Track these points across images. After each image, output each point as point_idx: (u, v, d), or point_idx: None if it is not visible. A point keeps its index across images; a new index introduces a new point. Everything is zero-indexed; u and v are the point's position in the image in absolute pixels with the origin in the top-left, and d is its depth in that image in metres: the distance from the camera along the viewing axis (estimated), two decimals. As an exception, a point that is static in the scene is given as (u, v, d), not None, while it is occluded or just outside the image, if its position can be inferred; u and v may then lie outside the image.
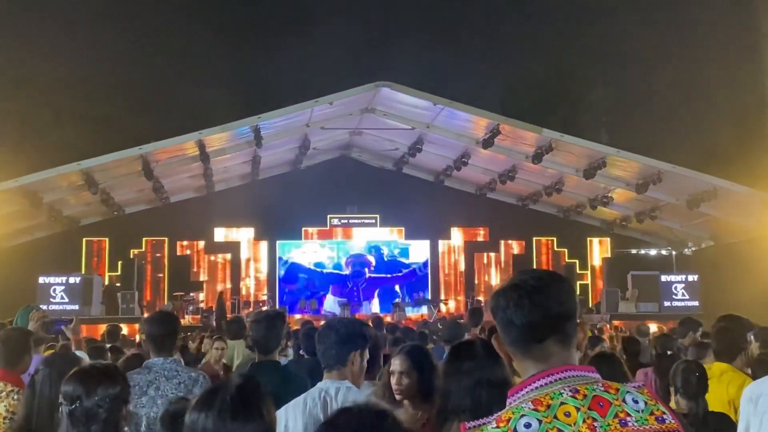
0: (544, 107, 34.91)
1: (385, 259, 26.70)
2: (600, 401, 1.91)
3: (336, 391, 3.60)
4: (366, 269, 26.60)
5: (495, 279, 27.03)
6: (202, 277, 25.99)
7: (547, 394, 1.94)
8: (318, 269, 26.41)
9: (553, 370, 1.98)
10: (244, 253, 26.39)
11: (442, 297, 26.62)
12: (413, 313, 24.98)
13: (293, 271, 26.36)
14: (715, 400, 5.20)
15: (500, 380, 3.26)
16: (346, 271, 26.52)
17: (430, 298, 26.27)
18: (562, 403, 1.91)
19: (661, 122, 32.42)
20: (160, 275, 25.67)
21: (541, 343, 2.01)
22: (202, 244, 26.07)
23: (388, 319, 20.68)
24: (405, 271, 26.74)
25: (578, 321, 2.09)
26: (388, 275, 26.59)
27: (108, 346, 9.30)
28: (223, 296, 24.41)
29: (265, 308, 22.79)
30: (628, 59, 35.55)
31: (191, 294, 24.37)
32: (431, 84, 23.49)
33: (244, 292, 26.09)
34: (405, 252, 26.80)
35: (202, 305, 24.21)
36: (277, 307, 23.41)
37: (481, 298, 25.54)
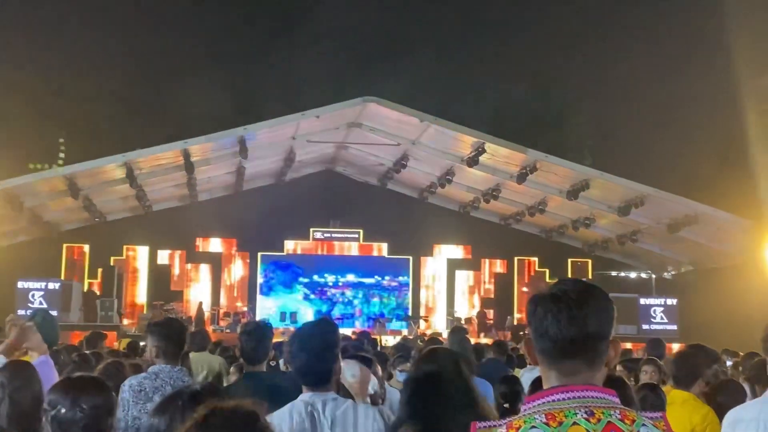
0: (529, 128, 35.15)
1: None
2: (613, 429, 1.88)
3: (323, 404, 3.52)
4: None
5: (476, 297, 27.03)
6: (183, 287, 25.82)
7: (562, 410, 1.92)
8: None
9: (573, 387, 1.96)
10: (225, 264, 26.27)
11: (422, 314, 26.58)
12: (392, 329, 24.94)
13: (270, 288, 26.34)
14: (678, 428, 5.20)
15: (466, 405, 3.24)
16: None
17: (411, 314, 26.21)
18: (574, 423, 1.89)
19: (644, 146, 32.68)
20: (140, 283, 25.48)
21: (571, 359, 1.99)
22: (184, 253, 25.91)
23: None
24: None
25: (610, 339, 2.05)
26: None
27: (81, 353, 9.18)
28: (202, 307, 24.28)
29: (245, 320, 22.66)
30: (612, 85, 35.87)
31: (171, 303, 24.18)
32: (418, 101, 23.58)
33: (223, 302, 25.94)
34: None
35: (181, 315, 24.00)
36: (256, 318, 23.27)
37: (460, 315, 25.55)
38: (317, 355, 3.56)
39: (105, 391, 3.18)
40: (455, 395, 3.28)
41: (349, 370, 3.74)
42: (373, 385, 4.13)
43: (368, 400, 3.89)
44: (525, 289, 26.47)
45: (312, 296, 26.43)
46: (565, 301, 2.00)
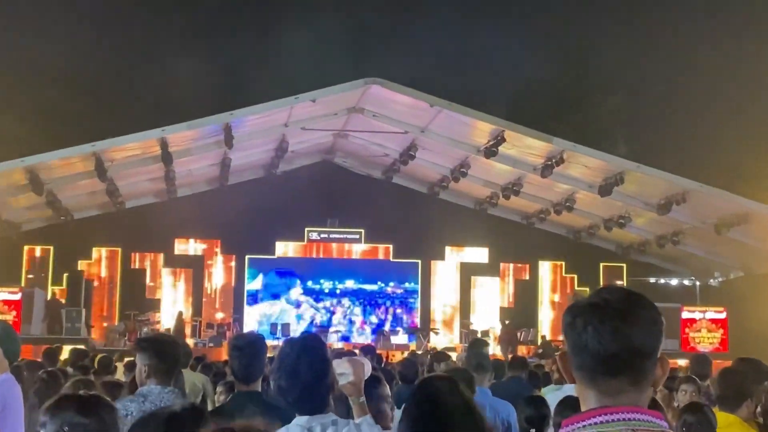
0: (555, 113, 34.98)
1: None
2: None
3: (322, 428, 3.55)
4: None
5: (494, 306, 27.03)
6: (159, 295, 25.89)
7: None
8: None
9: (618, 408, 1.97)
10: (208, 269, 26.33)
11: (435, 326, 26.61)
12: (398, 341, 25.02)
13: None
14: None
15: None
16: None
17: (419, 326, 26.24)
18: None
19: (687, 135, 32.60)
20: (112, 291, 25.54)
21: (613, 377, 2.00)
22: (160, 256, 25.98)
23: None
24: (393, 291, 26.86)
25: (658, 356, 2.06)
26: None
27: (49, 370, 9.22)
28: (182, 317, 24.33)
29: (231, 333, 22.75)
30: (652, 63, 35.77)
31: (146, 313, 24.24)
32: (428, 82, 23.54)
33: (205, 312, 26.02)
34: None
35: (157, 327, 24.06)
36: (244, 330, 23.32)
37: (477, 327, 25.57)
38: (309, 388, 3.58)
39: (95, 411, 3.18)
40: (454, 419, 3.39)
41: (338, 371, 3.78)
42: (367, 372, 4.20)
43: (363, 399, 3.95)
44: (556, 298, 26.51)
45: (313, 305, 26.52)
46: (608, 311, 2.01)
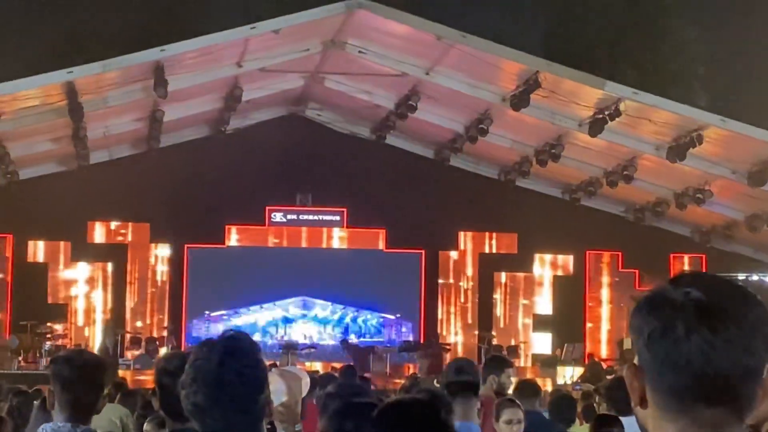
0: (609, 50, 35.01)
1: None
2: None
3: None
4: None
5: (523, 312, 27.10)
6: (67, 298, 25.95)
7: None
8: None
9: None
10: (134, 263, 26.36)
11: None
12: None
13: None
14: None
15: None
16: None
17: (423, 341, 26.31)
18: None
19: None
20: (1, 293, 25.52)
21: (713, 406, 1.91)
22: (68, 246, 25.98)
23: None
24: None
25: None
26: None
27: None
28: (113, 331, 24.39)
29: (162, 350, 22.77)
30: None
31: (48, 324, 24.21)
32: (435, 6, 23.50)
33: (129, 323, 26.08)
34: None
35: (65, 341, 24.06)
36: (185, 346, 23.37)
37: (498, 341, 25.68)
38: (240, 405, 3.44)
39: None
40: None
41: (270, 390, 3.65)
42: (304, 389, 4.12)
43: (300, 428, 3.86)
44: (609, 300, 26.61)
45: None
46: (719, 313, 1.91)
